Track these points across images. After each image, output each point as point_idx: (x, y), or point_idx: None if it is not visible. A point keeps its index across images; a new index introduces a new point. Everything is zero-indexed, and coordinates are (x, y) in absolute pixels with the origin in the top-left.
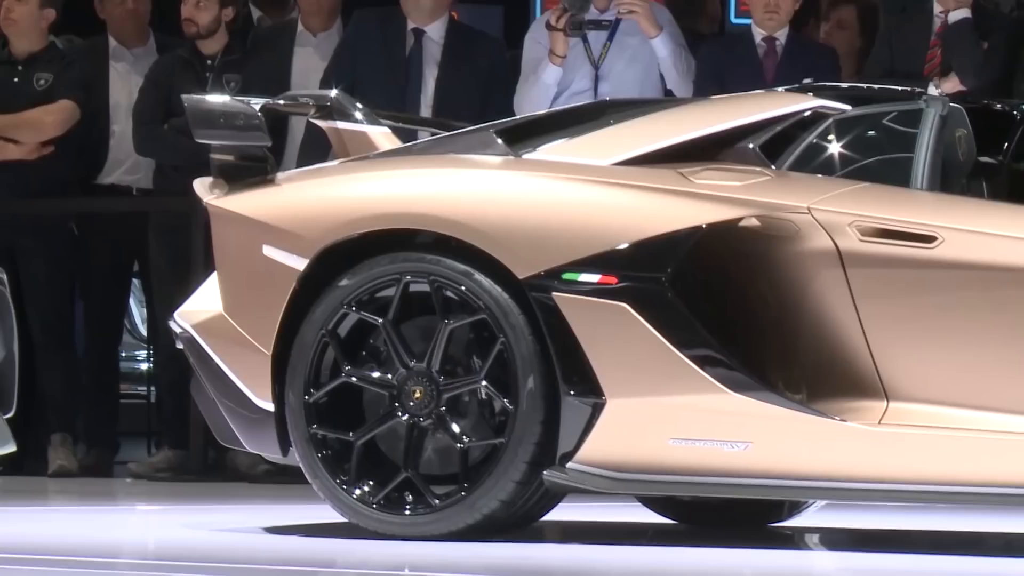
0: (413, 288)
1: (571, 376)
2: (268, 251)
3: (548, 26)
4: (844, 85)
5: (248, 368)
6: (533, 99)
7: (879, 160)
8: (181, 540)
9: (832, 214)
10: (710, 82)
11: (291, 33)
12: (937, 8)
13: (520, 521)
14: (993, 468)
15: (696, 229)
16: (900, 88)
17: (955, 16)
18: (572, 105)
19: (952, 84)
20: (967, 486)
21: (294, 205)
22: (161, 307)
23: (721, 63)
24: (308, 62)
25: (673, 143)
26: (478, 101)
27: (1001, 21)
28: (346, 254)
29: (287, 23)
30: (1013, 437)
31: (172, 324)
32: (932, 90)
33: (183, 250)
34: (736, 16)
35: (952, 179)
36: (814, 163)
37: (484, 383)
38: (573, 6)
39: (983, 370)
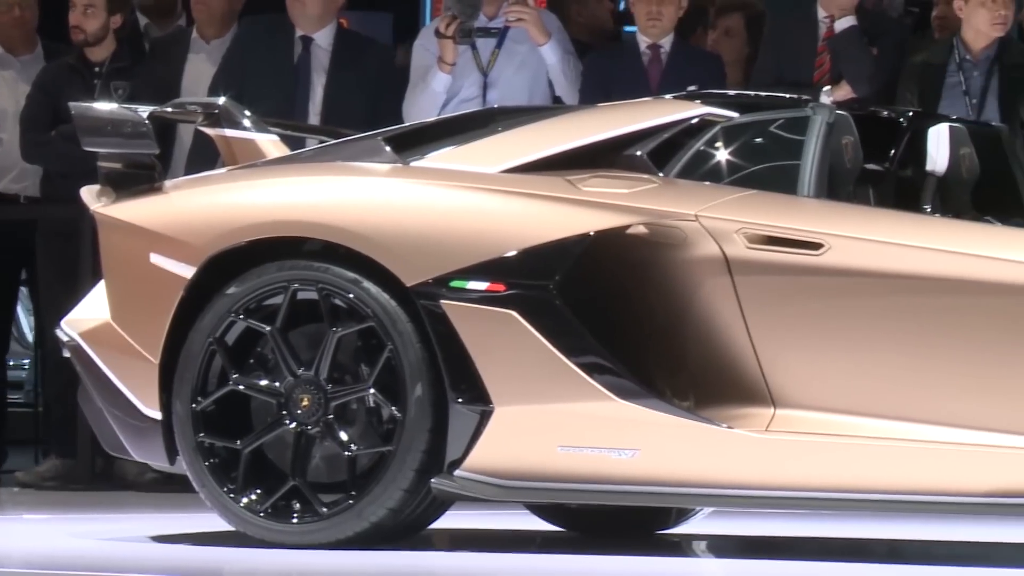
0: (301, 296)
1: (459, 384)
2: (156, 259)
3: (437, 33)
4: (731, 93)
5: (135, 376)
6: (422, 106)
7: (766, 167)
8: (68, 549)
9: (719, 221)
10: (596, 90)
11: (185, 41)
12: (822, 13)
13: (408, 529)
14: (879, 474)
15: (584, 236)
16: (787, 96)
17: (841, 24)
18: (461, 112)
19: (844, 92)
20: (853, 493)
21: (182, 213)
22: (48, 315)
23: (607, 71)
24: (200, 69)
25: (561, 150)
26: (367, 108)
27: (888, 25)
28: (234, 262)
29: (181, 31)
30: (898, 443)
31: (59, 332)
32: (824, 98)
33: (71, 258)
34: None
35: (839, 186)
36: (702, 170)
37: (372, 391)
38: (462, 13)
39: (869, 377)
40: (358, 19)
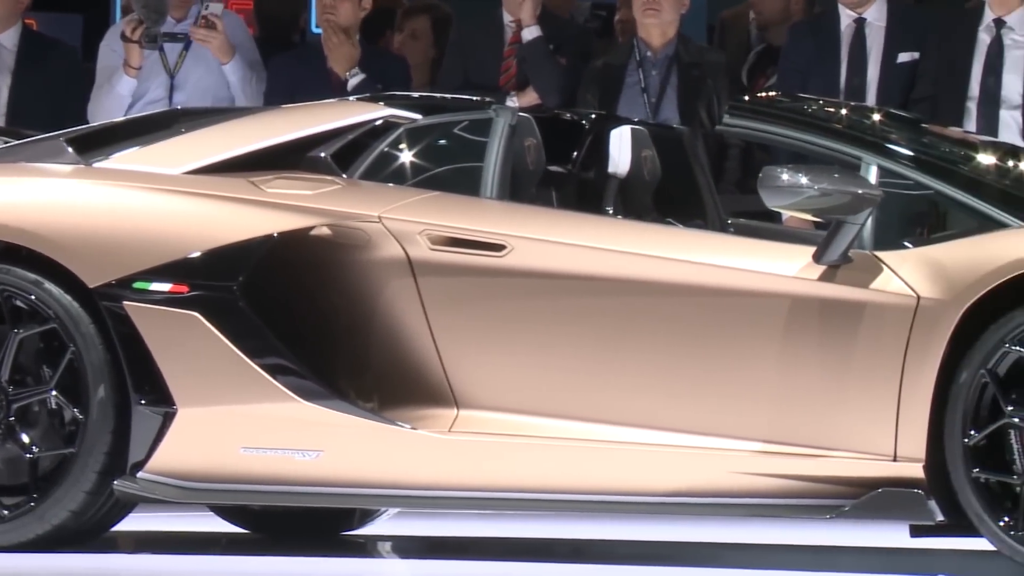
0: None
1: (142, 385)
2: None
3: (123, 37)
4: (416, 95)
5: None
6: (107, 108)
7: (450, 169)
8: None
9: (403, 223)
10: (281, 92)
11: None
12: (507, 18)
13: (91, 531)
14: (562, 475)
15: (267, 238)
16: (470, 98)
17: (527, 35)
18: (145, 113)
19: (530, 98)
20: (536, 493)
21: None
22: None
23: (293, 73)
24: None
25: (245, 152)
26: (52, 110)
27: (574, 32)
28: None
29: None
30: (581, 444)
31: None
32: (510, 103)
33: None
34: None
35: (521, 188)
36: (386, 172)
37: (54, 392)
38: (148, 19)
39: (552, 378)
40: (48, 20)
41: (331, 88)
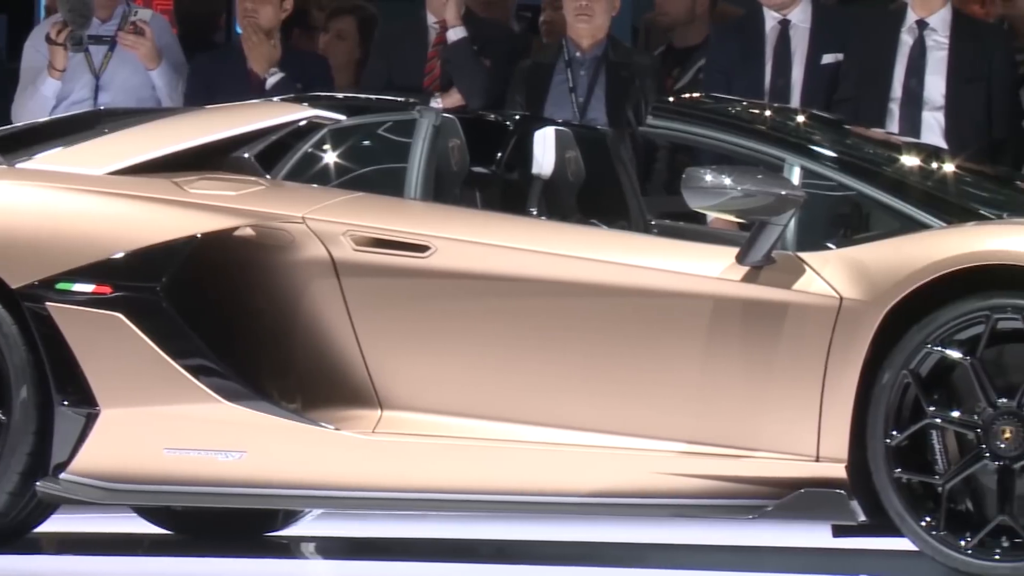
0: None
1: (65, 386)
2: None
3: (48, 40)
4: (340, 96)
5: None
6: (31, 109)
7: (374, 170)
8: None
9: (326, 223)
10: (200, 92)
11: None
12: (431, 19)
13: (13, 533)
14: (484, 475)
15: (191, 238)
16: (394, 99)
17: (452, 36)
18: (70, 114)
19: (454, 100)
20: (459, 494)
21: None
22: None
23: (212, 73)
24: None
25: (168, 152)
26: None
27: (499, 34)
28: None
29: None
30: (504, 444)
31: None
32: (434, 104)
33: None
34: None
35: (445, 189)
36: (310, 173)
37: None
38: (74, 22)
39: (475, 379)
40: None
41: (250, 88)
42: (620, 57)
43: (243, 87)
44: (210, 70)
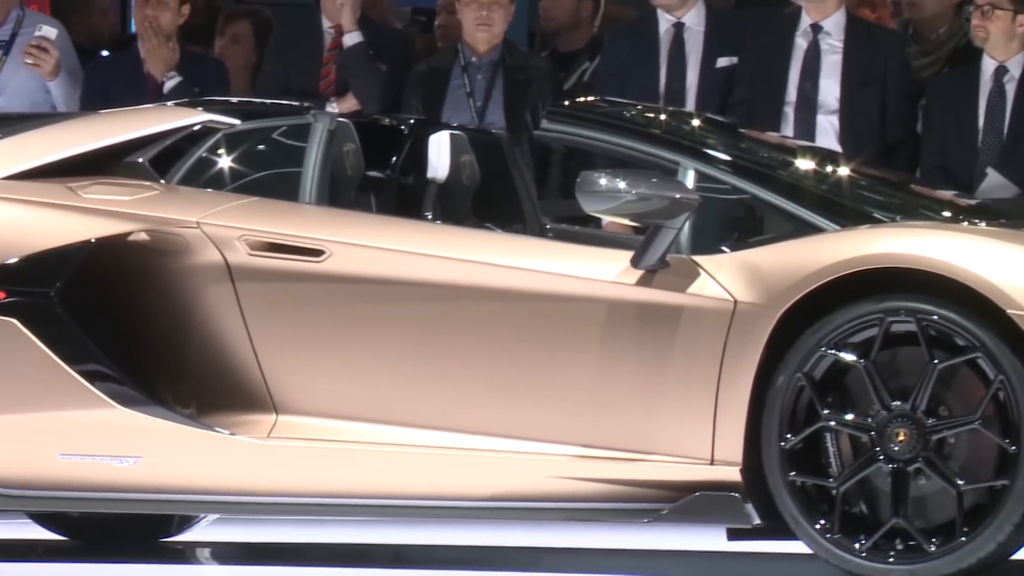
0: None
1: None
2: None
3: None
4: (235, 100)
5: None
6: None
7: (269, 174)
8: None
9: (221, 228)
10: (96, 97)
11: None
12: (327, 23)
13: None
14: (381, 480)
15: (85, 244)
16: (289, 103)
17: (348, 40)
18: None
19: (350, 104)
20: (355, 498)
21: None
22: None
23: (106, 78)
24: None
25: (62, 157)
26: None
27: (394, 38)
28: None
29: None
30: (400, 449)
31: None
32: (330, 109)
33: None
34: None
35: (340, 193)
36: (204, 177)
37: None
38: None
39: (370, 383)
40: None
41: (147, 92)
42: (517, 61)
43: (140, 91)
44: (106, 75)
